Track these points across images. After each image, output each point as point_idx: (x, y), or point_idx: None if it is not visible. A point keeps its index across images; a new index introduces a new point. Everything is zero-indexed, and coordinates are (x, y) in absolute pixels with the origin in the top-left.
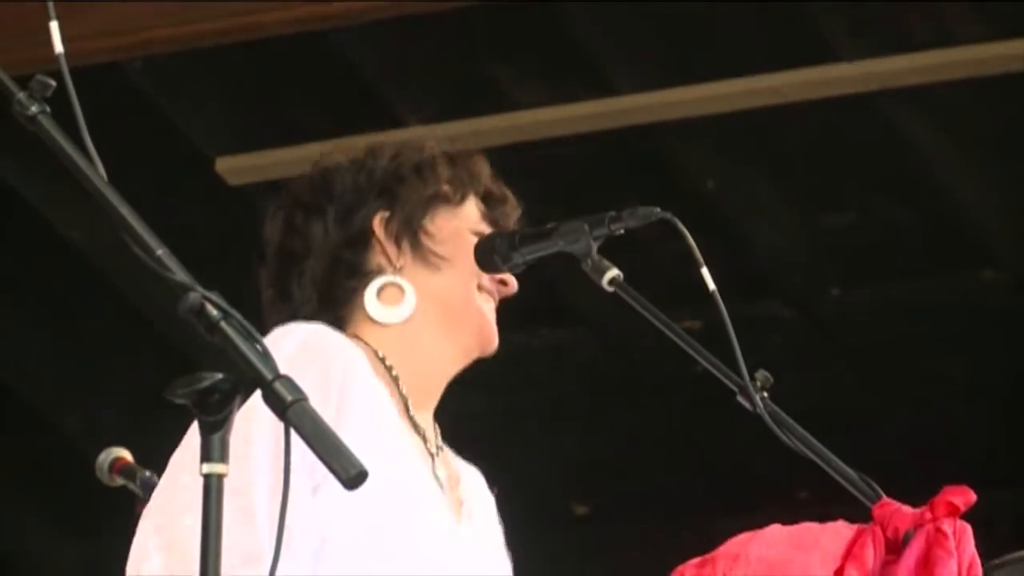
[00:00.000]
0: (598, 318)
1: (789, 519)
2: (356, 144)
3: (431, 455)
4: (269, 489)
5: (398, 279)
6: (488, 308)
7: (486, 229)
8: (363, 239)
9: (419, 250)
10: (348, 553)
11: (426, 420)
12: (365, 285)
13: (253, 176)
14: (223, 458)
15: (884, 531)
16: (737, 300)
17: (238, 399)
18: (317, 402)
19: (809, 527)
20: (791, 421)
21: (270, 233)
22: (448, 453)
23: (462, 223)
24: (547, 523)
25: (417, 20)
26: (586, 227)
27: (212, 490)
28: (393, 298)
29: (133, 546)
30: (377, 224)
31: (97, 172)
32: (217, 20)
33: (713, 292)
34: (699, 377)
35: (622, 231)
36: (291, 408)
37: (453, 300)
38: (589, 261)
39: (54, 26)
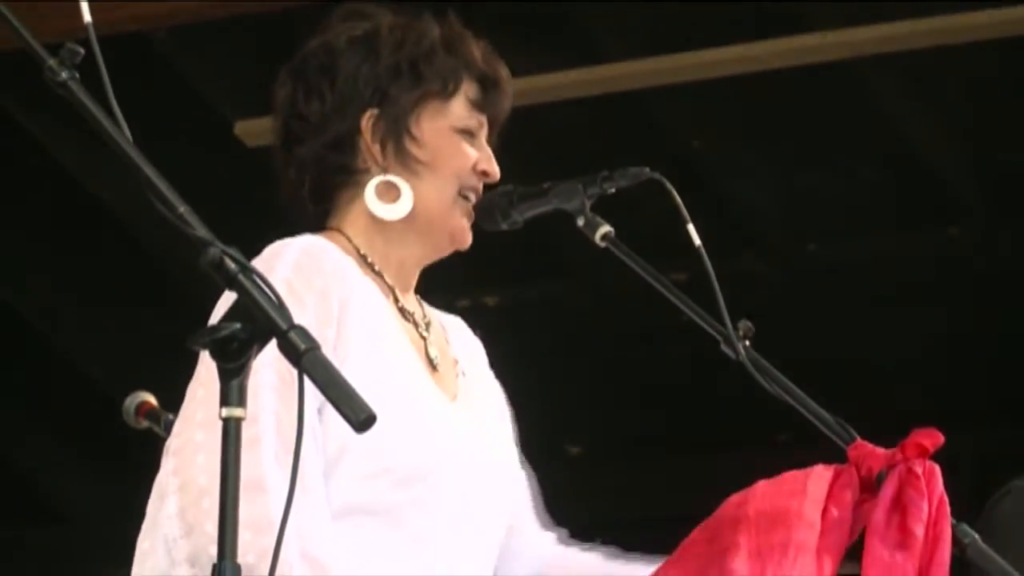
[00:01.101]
0: (591, 271)
1: (770, 459)
2: None
3: (423, 338)
4: (276, 414)
5: (392, 178)
6: (463, 211)
7: (473, 123)
8: (351, 138)
9: (401, 154)
10: (355, 461)
11: (412, 302)
12: (355, 183)
13: (270, 138)
14: (240, 403)
15: (859, 471)
16: (720, 255)
17: (255, 348)
18: (320, 322)
19: (794, 475)
20: (771, 368)
21: (278, 98)
22: (435, 321)
23: (448, 121)
24: (543, 462)
25: None
26: (580, 186)
27: (230, 433)
28: (389, 196)
29: (155, 485)
30: (365, 122)
31: (123, 134)
32: None
33: (698, 247)
34: (685, 326)
35: (613, 190)
36: (305, 356)
37: (429, 207)
38: (583, 218)
39: None
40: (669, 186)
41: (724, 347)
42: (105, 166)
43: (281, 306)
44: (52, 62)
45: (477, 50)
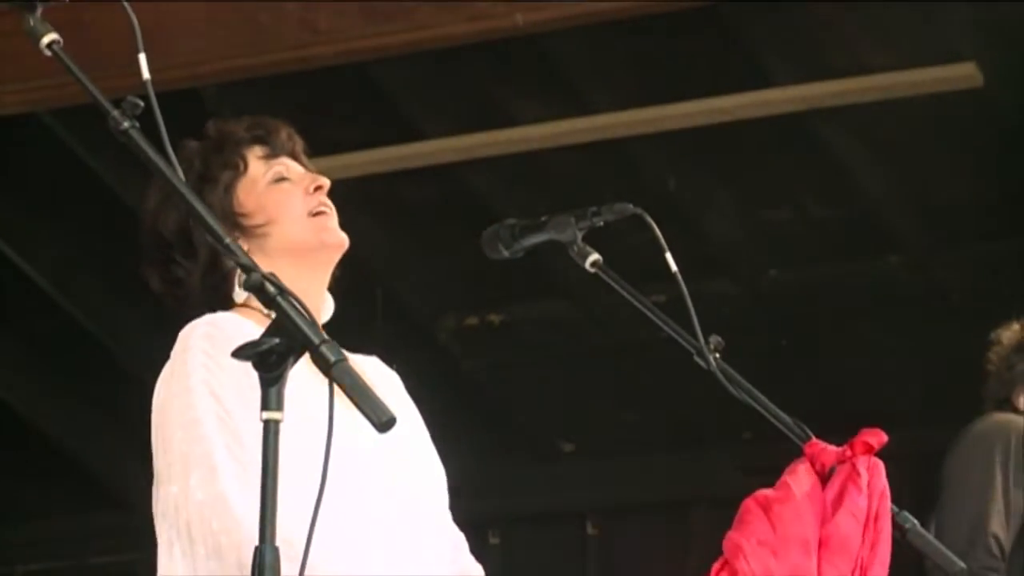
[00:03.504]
0: (581, 294)
1: (736, 456)
2: (386, 155)
3: None
4: (226, 447)
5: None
6: (326, 222)
7: (279, 168)
8: (214, 257)
9: (247, 233)
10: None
11: None
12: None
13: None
14: (279, 407)
15: (813, 466)
16: (694, 279)
17: (291, 359)
18: (243, 374)
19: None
20: (738, 376)
21: (152, 284)
22: (348, 358)
23: (258, 183)
24: (541, 458)
25: (435, 53)
26: (572, 220)
27: (270, 434)
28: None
29: (159, 547)
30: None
31: (177, 175)
32: (276, 53)
33: (675, 272)
34: (664, 341)
35: (601, 223)
36: (335, 367)
37: (291, 246)
38: (575, 247)
39: (142, 57)
40: (649, 220)
41: (697, 359)
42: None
43: (313, 323)
44: (115, 113)
45: (239, 126)
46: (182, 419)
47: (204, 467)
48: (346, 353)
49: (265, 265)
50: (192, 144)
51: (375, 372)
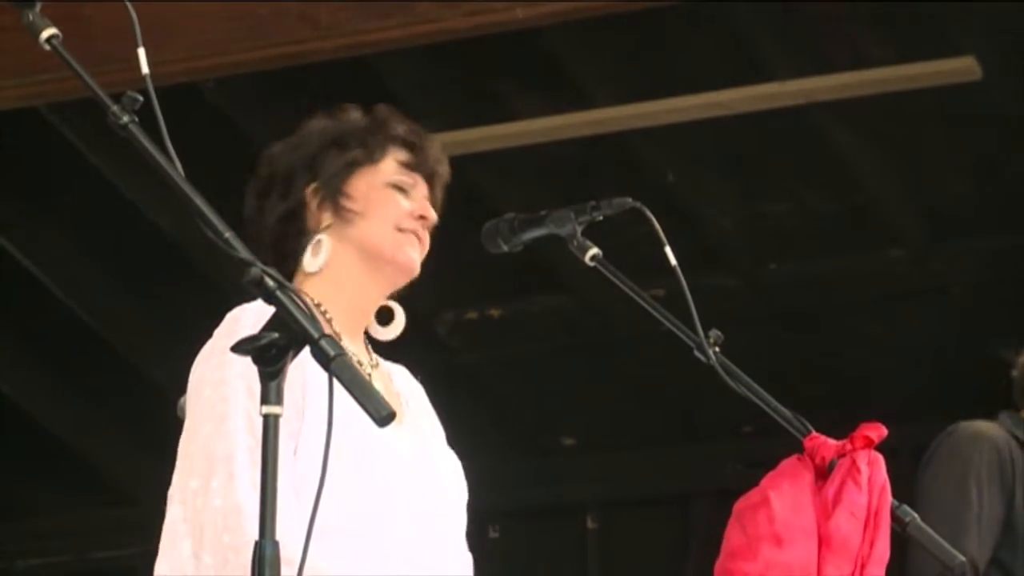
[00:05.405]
0: (581, 288)
1: (736, 449)
2: None
3: (368, 375)
4: (249, 449)
5: (320, 236)
6: (407, 243)
7: (407, 179)
8: (299, 209)
9: (338, 210)
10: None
11: (359, 346)
12: (305, 244)
13: None
14: (278, 401)
15: (813, 460)
16: (693, 273)
17: (291, 354)
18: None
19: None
20: (737, 370)
21: (245, 215)
22: (381, 363)
23: (380, 179)
24: (541, 452)
25: (436, 47)
26: (572, 214)
27: (270, 428)
28: (317, 251)
29: (164, 531)
30: (309, 194)
31: (176, 170)
32: (276, 48)
33: (674, 266)
34: (663, 335)
35: (601, 217)
36: (334, 361)
37: (367, 245)
38: (575, 241)
39: (141, 52)
40: (648, 213)
41: (697, 353)
42: (161, 198)
43: (313, 318)
44: (115, 108)
45: (401, 125)
46: (212, 411)
47: (225, 472)
48: (375, 355)
49: (336, 248)
50: (356, 111)
51: (403, 381)
